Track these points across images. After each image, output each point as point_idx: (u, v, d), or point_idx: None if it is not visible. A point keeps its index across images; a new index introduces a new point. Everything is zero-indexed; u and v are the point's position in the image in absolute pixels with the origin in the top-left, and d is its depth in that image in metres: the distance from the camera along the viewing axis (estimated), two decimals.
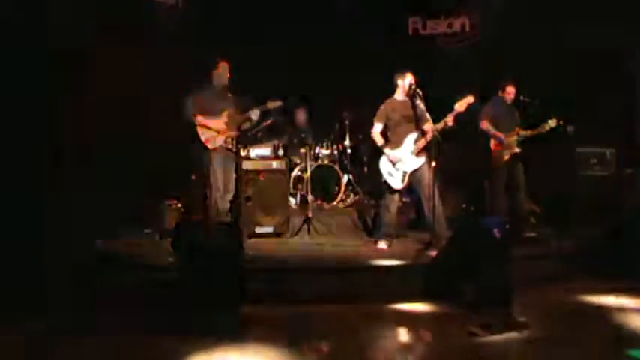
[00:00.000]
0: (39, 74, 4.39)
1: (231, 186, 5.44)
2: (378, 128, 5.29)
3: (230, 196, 5.42)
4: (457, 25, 7.89)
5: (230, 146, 5.34)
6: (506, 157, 5.65)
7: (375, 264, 4.64)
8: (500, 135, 5.67)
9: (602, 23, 6.48)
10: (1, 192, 4.23)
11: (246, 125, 5.55)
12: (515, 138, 5.64)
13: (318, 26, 7.68)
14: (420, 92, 5.06)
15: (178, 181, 6.33)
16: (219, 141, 5.27)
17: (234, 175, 5.50)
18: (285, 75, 7.20)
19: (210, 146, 5.25)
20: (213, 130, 5.24)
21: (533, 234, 5.56)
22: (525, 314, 3.85)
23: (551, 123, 5.52)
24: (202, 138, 5.23)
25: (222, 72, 5.32)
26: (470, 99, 4.98)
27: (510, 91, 5.74)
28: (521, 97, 5.72)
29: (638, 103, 6.41)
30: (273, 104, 5.44)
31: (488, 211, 5.75)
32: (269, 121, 6.29)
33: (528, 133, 5.63)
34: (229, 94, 5.44)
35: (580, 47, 6.70)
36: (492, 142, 5.75)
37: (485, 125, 5.73)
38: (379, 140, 5.28)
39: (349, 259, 4.93)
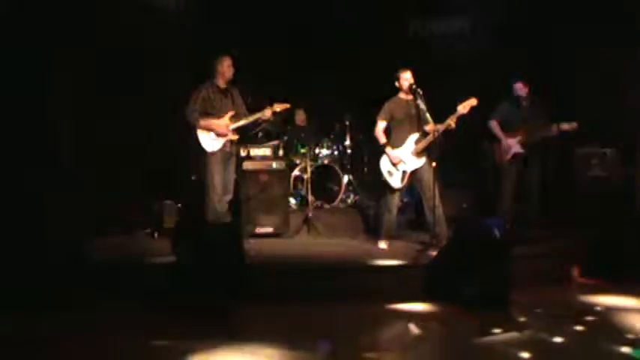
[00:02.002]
0: (38, 74, 4.39)
1: (231, 187, 5.37)
2: (381, 126, 5.28)
3: (229, 197, 5.35)
4: (457, 25, 7.89)
5: (229, 149, 5.23)
6: (509, 157, 5.64)
7: (375, 264, 4.64)
8: (502, 135, 5.67)
9: (602, 23, 6.48)
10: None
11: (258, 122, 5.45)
12: (518, 138, 5.63)
13: (318, 26, 7.69)
14: (421, 92, 5.07)
15: (178, 181, 6.34)
16: (219, 144, 5.16)
17: (233, 176, 5.43)
18: (285, 75, 7.21)
19: (208, 149, 5.14)
20: (215, 132, 5.12)
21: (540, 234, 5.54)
22: (525, 314, 3.85)
23: (564, 125, 5.44)
24: (201, 140, 5.13)
25: (225, 68, 5.17)
26: (473, 101, 4.97)
27: (519, 88, 5.71)
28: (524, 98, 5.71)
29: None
30: (280, 106, 5.24)
31: (494, 210, 5.74)
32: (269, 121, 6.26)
33: (536, 135, 5.56)
34: (235, 91, 5.30)
35: (580, 47, 6.71)
36: (496, 140, 5.77)
37: (490, 125, 5.74)
38: (382, 138, 5.28)
39: (349, 259, 4.93)
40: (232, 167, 5.38)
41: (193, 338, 3.41)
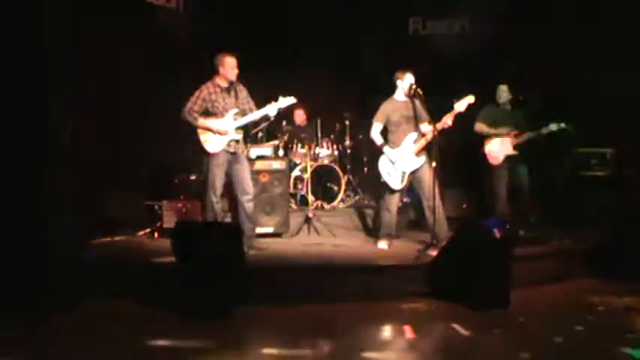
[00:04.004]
0: (38, 73, 4.39)
1: (248, 186, 5.09)
2: (377, 128, 5.28)
3: (249, 197, 5.10)
4: (457, 25, 7.90)
5: (233, 149, 5.02)
6: (502, 158, 5.64)
7: (375, 264, 4.63)
8: (493, 133, 5.65)
9: (602, 23, 6.49)
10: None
11: (263, 122, 5.26)
12: (509, 140, 5.62)
13: (318, 26, 7.69)
14: (421, 92, 5.07)
15: (178, 181, 6.34)
16: (221, 145, 4.98)
17: (248, 175, 5.15)
18: (286, 75, 7.21)
19: (210, 150, 4.97)
20: (216, 132, 4.96)
21: (535, 234, 5.54)
22: (525, 314, 3.85)
23: (552, 127, 5.48)
24: (202, 141, 4.98)
25: (227, 69, 5.00)
26: (470, 99, 4.98)
27: (500, 91, 5.72)
28: (521, 97, 5.71)
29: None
30: (286, 101, 5.02)
31: (490, 213, 5.73)
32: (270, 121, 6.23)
33: (526, 136, 5.60)
34: (239, 87, 5.13)
35: (580, 47, 6.71)
36: (486, 145, 5.75)
37: (478, 127, 5.74)
38: (378, 140, 5.27)
39: (349, 259, 4.93)
40: (244, 166, 5.12)
41: (193, 338, 3.41)
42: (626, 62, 6.29)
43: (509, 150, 5.62)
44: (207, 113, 5.01)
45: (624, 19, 6.34)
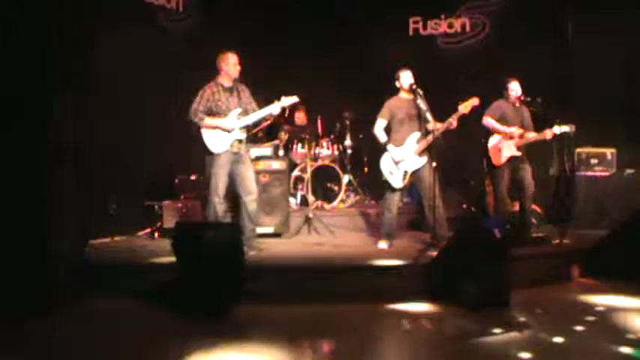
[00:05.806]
0: (38, 74, 4.38)
1: (252, 186, 5.03)
2: (381, 124, 5.25)
3: (253, 197, 5.03)
4: (457, 25, 7.91)
5: (237, 149, 4.97)
6: (507, 157, 5.61)
7: (375, 264, 4.63)
8: (503, 129, 5.60)
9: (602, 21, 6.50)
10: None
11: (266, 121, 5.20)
12: (515, 140, 5.59)
13: (318, 26, 7.70)
14: (421, 92, 5.06)
15: (178, 182, 6.34)
16: (225, 145, 4.93)
17: (252, 175, 5.09)
18: (286, 75, 7.21)
19: (213, 150, 4.93)
20: (222, 130, 4.92)
21: (541, 234, 5.52)
22: (525, 314, 3.85)
23: (556, 130, 5.42)
24: (206, 141, 4.95)
25: (230, 66, 4.98)
26: (475, 101, 4.95)
27: (513, 87, 5.65)
28: (523, 97, 5.70)
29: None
30: (289, 100, 4.99)
31: (491, 212, 5.72)
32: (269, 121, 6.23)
33: (529, 139, 5.56)
34: (242, 87, 5.10)
35: (581, 46, 6.72)
36: (490, 141, 5.71)
37: (487, 121, 5.66)
38: (382, 137, 5.25)
39: (349, 259, 4.93)
40: (248, 165, 5.07)
41: (193, 338, 3.41)
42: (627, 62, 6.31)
43: (513, 151, 5.58)
44: (210, 113, 4.98)
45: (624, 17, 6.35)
